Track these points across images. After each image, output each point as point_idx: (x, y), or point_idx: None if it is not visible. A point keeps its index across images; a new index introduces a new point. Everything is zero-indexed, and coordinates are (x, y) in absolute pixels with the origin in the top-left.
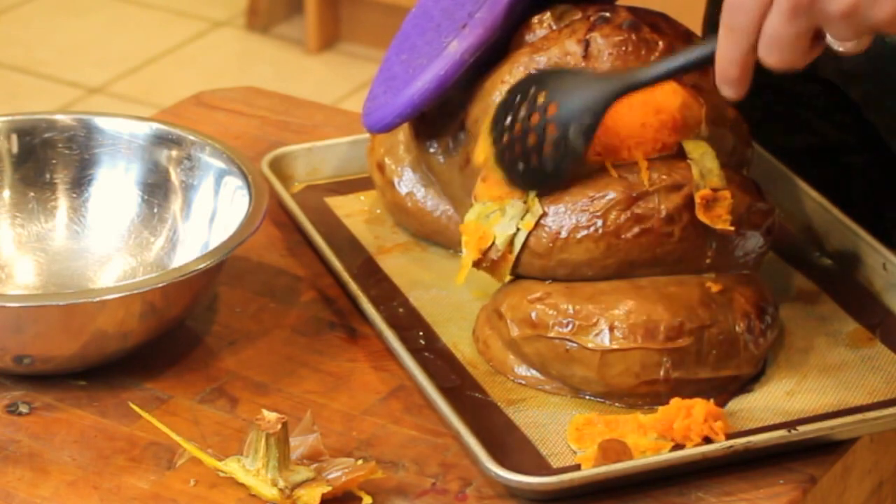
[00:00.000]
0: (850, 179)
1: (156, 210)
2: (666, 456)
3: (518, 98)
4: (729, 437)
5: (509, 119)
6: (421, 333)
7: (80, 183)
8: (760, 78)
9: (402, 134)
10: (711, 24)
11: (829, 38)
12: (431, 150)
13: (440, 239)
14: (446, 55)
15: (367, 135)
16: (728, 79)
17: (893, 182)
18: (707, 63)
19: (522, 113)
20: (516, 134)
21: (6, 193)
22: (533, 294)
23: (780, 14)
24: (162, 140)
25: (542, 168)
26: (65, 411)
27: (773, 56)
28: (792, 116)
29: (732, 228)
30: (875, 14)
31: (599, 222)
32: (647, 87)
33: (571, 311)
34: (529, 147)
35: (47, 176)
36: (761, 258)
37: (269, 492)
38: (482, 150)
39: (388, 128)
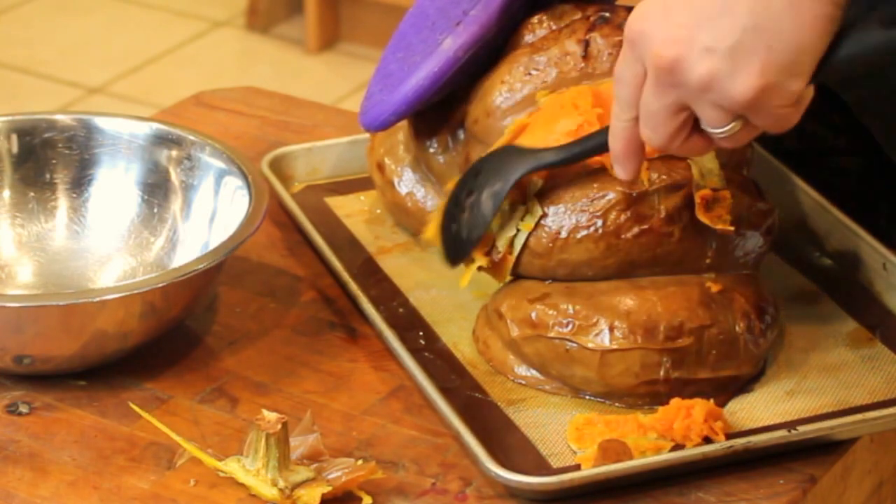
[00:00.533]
0: (842, 182)
1: (156, 210)
2: (666, 456)
3: (465, 178)
4: (729, 437)
5: (457, 196)
6: (421, 333)
7: (80, 183)
8: None
9: (402, 134)
10: None
11: (703, 124)
12: (431, 150)
13: None
14: (440, 52)
15: (367, 135)
16: (614, 154)
17: (886, 184)
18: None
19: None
20: (452, 208)
21: (6, 193)
22: (533, 294)
23: (649, 86)
24: (162, 140)
25: (459, 234)
26: (65, 411)
27: (646, 130)
28: None
29: (732, 228)
30: (733, 89)
31: (599, 222)
32: (557, 167)
33: (571, 311)
34: (455, 214)
35: (47, 176)
36: (761, 258)
37: (269, 492)
38: (432, 226)
39: (385, 125)
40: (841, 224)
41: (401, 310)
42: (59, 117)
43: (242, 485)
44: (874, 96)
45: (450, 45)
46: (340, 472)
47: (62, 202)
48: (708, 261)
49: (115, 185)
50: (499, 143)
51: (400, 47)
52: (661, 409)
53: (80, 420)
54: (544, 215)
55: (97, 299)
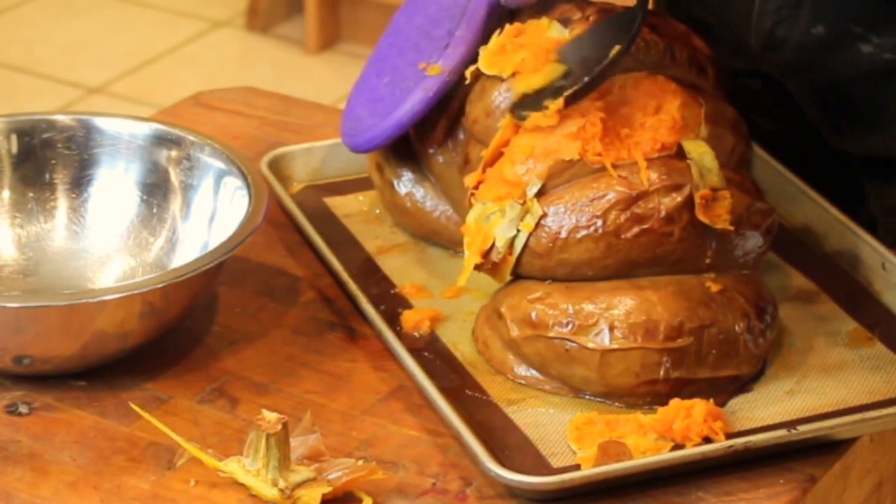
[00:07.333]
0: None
1: (155, 210)
2: (666, 456)
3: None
4: (729, 437)
5: None
6: (420, 334)
7: (79, 183)
8: None
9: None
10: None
11: None
12: (431, 151)
13: (439, 239)
14: (433, 78)
15: None
16: None
17: (830, 175)
18: None
19: None
20: None
21: (6, 193)
22: (533, 294)
23: None
24: (161, 140)
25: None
26: (65, 411)
27: None
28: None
29: (732, 228)
30: None
31: (599, 222)
32: None
33: (571, 311)
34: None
35: (47, 176)
36: (761, 258)
37: (270, 492)
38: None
39: (376, 148)
40: (840, 224)
41: (400, 310)
42: (59, 117)
43: (242, 485)
44: (811, 85)
45: (441, 70)
46: (341, 473)
47: (61, 202)
48: (708, 260)
49: (115, 185)
50: (494, 142)
51: (384, 70)
52: (660, 409)
53: (80, 420)
54: (544, 215)
55: (97, 299)
